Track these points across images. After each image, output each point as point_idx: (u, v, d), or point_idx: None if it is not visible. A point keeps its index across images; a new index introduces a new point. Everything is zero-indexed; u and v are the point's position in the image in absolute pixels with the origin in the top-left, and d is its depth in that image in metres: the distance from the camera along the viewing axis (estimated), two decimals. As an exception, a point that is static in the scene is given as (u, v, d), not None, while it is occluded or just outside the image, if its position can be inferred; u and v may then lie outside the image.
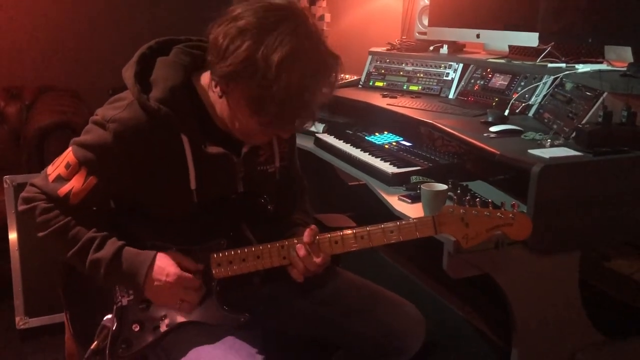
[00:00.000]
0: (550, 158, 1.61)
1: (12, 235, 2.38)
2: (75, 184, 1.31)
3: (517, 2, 2.61)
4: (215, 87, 1.28)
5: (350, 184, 3.39)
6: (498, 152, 1.71)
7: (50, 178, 1.34)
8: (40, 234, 1.33)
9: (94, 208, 1.37)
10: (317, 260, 1.36)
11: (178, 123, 1.31)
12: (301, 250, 1.36)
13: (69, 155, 1.34)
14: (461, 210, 1.36)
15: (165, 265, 1.33)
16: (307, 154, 2.62)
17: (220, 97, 1.29)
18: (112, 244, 1.33)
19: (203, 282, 1.38)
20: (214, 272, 1.38)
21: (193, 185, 1.35)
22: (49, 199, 1.33)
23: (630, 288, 2.11)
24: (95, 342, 1.35)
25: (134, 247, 1.36)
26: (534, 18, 2.49)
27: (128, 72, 1.33)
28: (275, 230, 1.47)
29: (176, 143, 1.33)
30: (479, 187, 1.97)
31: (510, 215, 1.36)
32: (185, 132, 1.32)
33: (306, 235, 1.36)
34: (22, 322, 2.35)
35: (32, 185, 1.36)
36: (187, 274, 1.34)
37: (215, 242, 1.39)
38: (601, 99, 1.81)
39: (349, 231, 1.37)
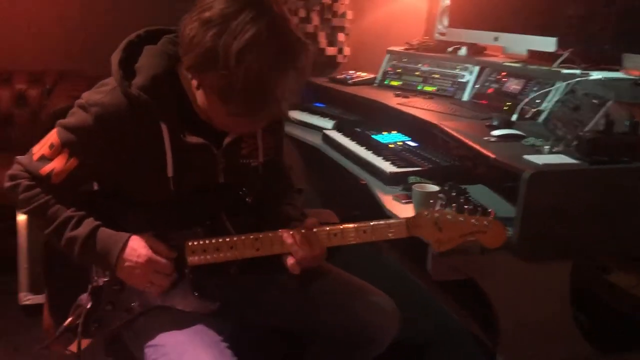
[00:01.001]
0: (544, 165, 1.58)
1: (21, 216, 2.44)
2: (57, 164, 1.34)
3: (536, 6, 2.56)
4: (192, 79, 1.29)
5: (362, 182, 3.37)
6: (493, 156, 1.69)
7: (35, 157, 1.37)
8: (22, 211, 1.37)
9: (75, 188, 1.40)
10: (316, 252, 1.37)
11: (157, 111, 1.32)
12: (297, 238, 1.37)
13: (53, 136, 1.36)
14: (435, 214, 1.35)
15: (137, 247, 1.35)
16: (319, 151, 2.62)
17: (197, 89, 1.30)
18: (89, 224, 1.36)
19: (176, 268, 1.39)
20: (187, 259, 1.39)
21: (170, 173, 1.36)
22: (32, 177, 1.36)
23: (629, 302, 2.04)
24: (70, 319, 1.38)
25: (113, 229, 1.38)
26: (553, 23, 2.44)
27: (114, 58, 1.36)
28: (256, 223, 1.47)
29: (155, 130, 1.34)
30: (479, 191, 1.94)
31: (485, 222, 1.35)
32: (164, 121, 1.34)
33: (309, 223, 1.39)
34: (25, 298, 2.41)
35: (18, 162, 1.39)
36: (157, 257, 1.36)
37: (192, 230, 1.40)
38: (605, 107, 1.75)
39: (324, 228, 1.37)
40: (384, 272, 2.73)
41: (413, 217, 1.36)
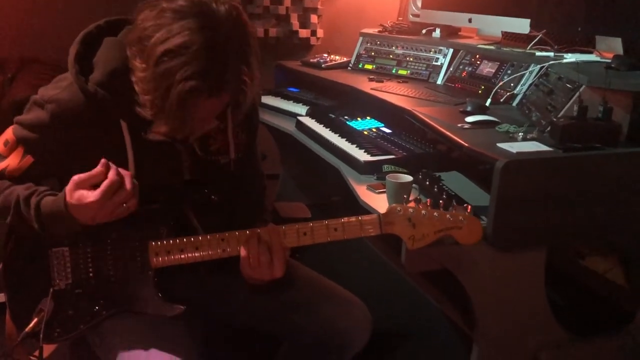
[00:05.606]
0: (518, 153, 1.56)
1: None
2: (11, 161, 1.30)
3: (510, -13, 2.52)
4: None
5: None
6: (466, 145, 1.66)
7: None
8: None
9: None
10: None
11: (116, 108, 1.26)
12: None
13: (9, 132, 1.32)
14: (410, 210, 1.32)
15: (74, 194, 1.23)
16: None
17: None
18: (35, 197, 1.28)
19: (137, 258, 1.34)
20: (151, 261, 1.34)
21: (131, 171, 1.30)
22: None
23: (603, 286, 2.05)
24: (31, 325, 1.32)
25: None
26: (526, 4, 2.41)
27: (71, 52, 1.29)
28: (224, 222, 1.42)
29: (114, 128, 1.29)
30: (453, 178, 1.91)
31: (461, 218, 1.31)
32: (123, 118, 1.28)
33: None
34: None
35: None
36: (84, 178, 1.22)
37: (155, 230, 1.35)
38: (578, 92, 1.73)
39: (293, 226, 1.33)
40: (363, 259, 2.72)
41: (385, 214, 1.32)
